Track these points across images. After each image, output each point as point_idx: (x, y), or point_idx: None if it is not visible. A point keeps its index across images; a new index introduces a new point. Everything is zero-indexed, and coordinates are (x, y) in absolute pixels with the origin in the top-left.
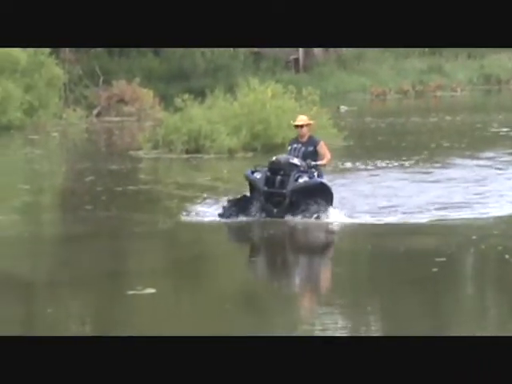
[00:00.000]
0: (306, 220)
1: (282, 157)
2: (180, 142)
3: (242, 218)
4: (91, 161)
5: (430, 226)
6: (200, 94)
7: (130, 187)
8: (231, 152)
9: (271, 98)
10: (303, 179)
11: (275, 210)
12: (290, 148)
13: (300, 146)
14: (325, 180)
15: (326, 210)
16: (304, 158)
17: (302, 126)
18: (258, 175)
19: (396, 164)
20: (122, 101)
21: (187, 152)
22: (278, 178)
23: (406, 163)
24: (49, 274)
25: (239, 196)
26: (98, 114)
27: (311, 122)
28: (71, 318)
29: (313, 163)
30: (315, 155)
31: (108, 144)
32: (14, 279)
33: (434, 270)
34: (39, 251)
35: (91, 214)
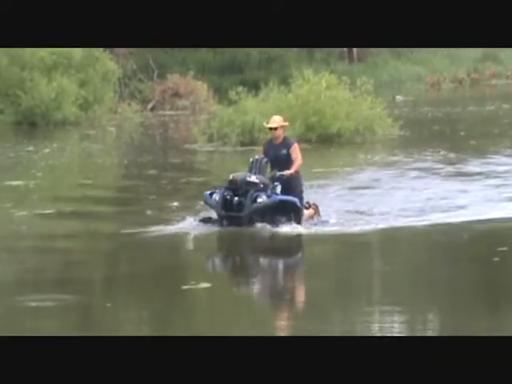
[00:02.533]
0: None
1: (239, 175)
2: (234, 134)
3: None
4: (150, 154)
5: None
6: (254, 87)
7: (193, 179)
8: None
9: (326, 88)
10: (261, 198)
11: None
12: (251, 159)
13: (273, 148)
14: (286, 196)
15: (286, 227)
16: (277, 161)
17: (275, 129)
18: (216, 197)
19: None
20: (176, 94)
21: (242, 144)
22: (235, 199)
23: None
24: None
25: (206, 216)
26: (153, 108)
27: (285, 123)
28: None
29: (278, 174)
30: (288, 158)
31: (164, 138)
32: (72, 275)
33: None
34: (99, 246)
35: (157, 206)
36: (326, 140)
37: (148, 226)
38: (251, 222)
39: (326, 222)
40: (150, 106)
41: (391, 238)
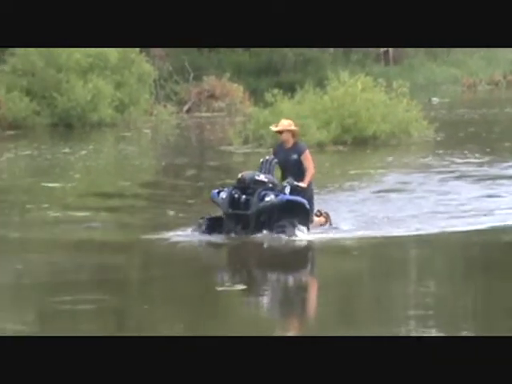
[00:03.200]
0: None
1: (247, 173)
2: (269, 136)
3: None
4: (187, 156)
5: None
6: (290, 89)
7: (230, 181)
8: (321, 146)
9: (361, 91)
10: (269, 197)
11: (243, 232)
12: (262, 160)
13: (283, 152)
14: (294, 197)
15: (293, 229)
16: (286, 165)
17: (280, 132)
18: (223, 195)
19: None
20: (212, 96)
21: None
22: (243, 197)
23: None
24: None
25: (215, 215)
26: (189, 110)
27: (294, 128)
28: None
29: (295, 183)
30: (299, 164)
31: (200, 139)
32: (107, 277)
33: None
34: (136, 249)
35: (194, 208)
36: (361, 142)
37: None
38: (258, 221)
39: (336, 230)
40: (185, 107)
41: (408, 244)
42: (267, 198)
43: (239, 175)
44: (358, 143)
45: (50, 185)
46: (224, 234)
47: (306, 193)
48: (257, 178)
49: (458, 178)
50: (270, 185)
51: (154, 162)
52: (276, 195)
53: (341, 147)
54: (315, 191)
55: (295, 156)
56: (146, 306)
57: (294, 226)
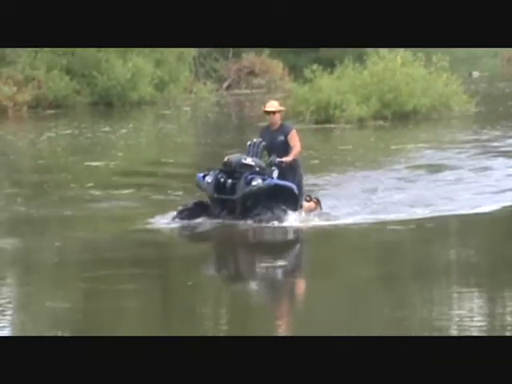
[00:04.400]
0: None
1: (234, 157)
2: (309, 112)
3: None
4: (228, 133)
5: None
6: (329, 64)
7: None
8: (361, 121)
9: (401, 65)
10: (256, 182)
11: (230, 217)
12: (249, 143)
13: (270, 134)
14: (282, 181)
15: (282, 214)
16: (273, 147)
17: (273, 113)
18: (209, 179)
19: None
20: (251, 73)
21: (317, 122)
22: (229, 181)
23: None
24: None
25: (194, 202)
26: (228, 87)
27: (282, 108)
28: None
29: (277, 160)
30: (286, 145)
31: (240, 116)
32: (149, 255)
33: None
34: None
35: None
36: (402, 117)
37: None
38: (244, 205)
39: (325, 215)
40: (225, 84)
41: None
42: (254, 183)
43: (225, 158)
44: (399, 118)
45: (93, 163)
46: (209, 219)
47: (295, 177)
48: (243, 161)
49: (500, 154)
50: (258, 168)
51: (194, 139)
52: (263, 179)
53: (381, 122)
54: (350, 171)
55: (282, 137)
56: (190, 282)
57: (280, 210)
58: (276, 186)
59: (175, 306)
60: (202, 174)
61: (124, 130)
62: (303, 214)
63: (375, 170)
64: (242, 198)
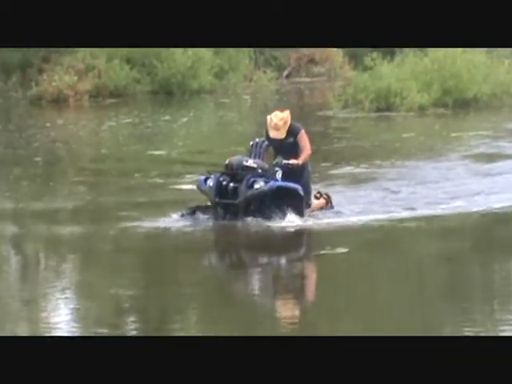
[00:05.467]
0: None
1: (235, 158)
2: (368, 100)
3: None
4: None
5: None
6: (389, 52)
7: (336, 146)
8: (422, 108)
9: (462, 52)
10: (258, 184)
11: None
12: (252, 143)
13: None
14: (286, 183)
15: (283, 216)
16: (281, 149)
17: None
18: (210, 182)
19: None
20: (311, 61)
21: (377, 110)
22: (231, 185)
23: None
24: None
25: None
26: (288, 75)
27: (288, 119)
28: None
29: (284, 162)
30: (295, 147)
31: (299, 105)
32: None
33: None
34: None
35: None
36: (463, 104)
37: None
38: (247, 209)
39: (338, 213)
40: (285, 73)
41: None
42: (256, 186)
43: (227, 160)
44: (460, 105)
45: (156, 152)
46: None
47: (302, 176)
48: (245, 163)
49: None
50: (260, 170)
51: (256, 128)
52: (266, 182)
53: (442, 110)
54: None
55: (290, 139)
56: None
57: (284, 214)
58: (279, 188)
59: (236, 295)
60: (203, 178)
61: (185, 119)
62: (309, 213)
63: (433, 158)
64: (245, 202)
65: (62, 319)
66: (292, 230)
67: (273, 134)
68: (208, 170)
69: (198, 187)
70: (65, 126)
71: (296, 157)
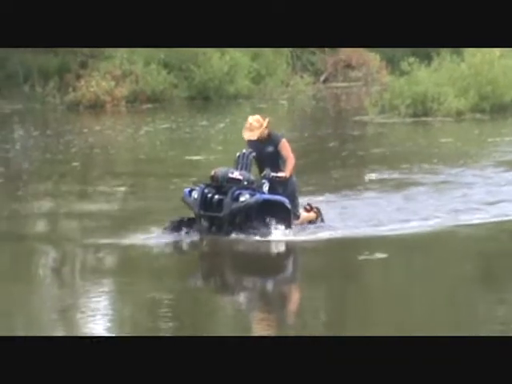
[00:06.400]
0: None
1: (220, 170)
2: (404, 105)
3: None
4: (327, 127)
5: None
6: (426, 57)
7: (375, 150)
8: (459, 114)
9: (499, 57)
10: (244, 197)
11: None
12: (238, 154)
13: (258, 144)
14: (272, 195)
15: (269, 230)
16: (262, 159)
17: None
18: (195, 194)
19: None
20: (348, 66)
21: (414, 115)
22: (216, 197)
23: None
24: None
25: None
26: (325, 80)
27: (264, 123)
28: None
29: (272, 174)
30: (275, 156)
31: (336, 110)
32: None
33: None
34: None
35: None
36: (500, 109)
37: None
38: (232, 222)
39: (326, 227)
40: (322, 78)
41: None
42: (242, 198)
43: (212, 172)
44: (497, 110)
45: (194, 158)
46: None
47: (288, 188)
48: (230, 175)
49: None
50: (246, 182)
51: (292, 133)
52: (251, 194)
53: (478, 115)
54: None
55: (271, 148)
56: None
57: (269, 227)
58: (265, 201)
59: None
60: (188, 189)
61: (222, 124)
62: (297, 225)
63: (470, 164)
64: (230, 215)
65: (98, 322)
66: (281, 244)
67: (246, 135)
68: (193, 181)
69: (183, 199)
70: (102, 131)
71: (277, 166)
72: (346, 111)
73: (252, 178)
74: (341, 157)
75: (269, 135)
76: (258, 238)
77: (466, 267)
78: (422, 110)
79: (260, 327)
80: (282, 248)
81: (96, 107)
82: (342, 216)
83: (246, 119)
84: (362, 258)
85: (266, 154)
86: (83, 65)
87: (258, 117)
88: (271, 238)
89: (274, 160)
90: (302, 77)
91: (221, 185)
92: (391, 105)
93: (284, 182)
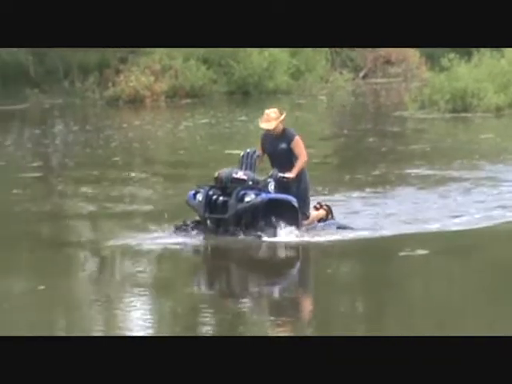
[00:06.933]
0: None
1: (224, 171)
2: (443, 101)
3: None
4: (367, 123)
5: None
6: (466, 53)
7: (415, 146)
8: (498, 110)
9: None
10: (249, 197)
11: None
12: (242, 153)
13: (272, 141)
14: (278, 194)
15: (275, 230)
16: (276, 156)
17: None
18: (199, 197)
19: None
20: (388, 62)
21: (454, 111)
22: (221, 199)
23: None
24: None
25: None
26: (365, 76)
27: (282, 116)
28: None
29: (279, 175)
30: (289, 154)
31: (376, 106)
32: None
33: None
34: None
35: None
36: None
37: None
38: (238, 224)
39: (338, 226)
40: (361, 74)
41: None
42: (247, 199)
43: (216, 173)
44: None
45: (234, 152)
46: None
47: (298, 186)
48: (234, 175)
49: None
50: (251, 182)
51: (332, 129)
52: (257, 194)
53: None
54: None
55: (284, 145)
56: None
57: (275, 227)
58: (272, 200)
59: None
60: (192, 192)
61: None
62: (307, 224)
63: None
64: (235, 216)
65: (136, 319)
66: (289, 244)
67: (263, 125)
68: (197, 183)
69: (187, 202)
70: (141, 126)
71: (290, 164)
72: (386, 107)
73: (257, 177)
74: (381, 152)
75: (283, 131)
76: (266, 238)
77: None
78: (461, 105)
79: (286, 329)
80: (319, 248)
81: (135, 102)
82: (383, 213)
83: (285, 115)
84: (402, 254)
85: (279, 150)
86: (123, 60)
87: (275, 109)
88: (283, 238)
89: (287, 157)
90: (341, 73)
91: (225, 186)
92: (431, 100)
93: (297, 180)
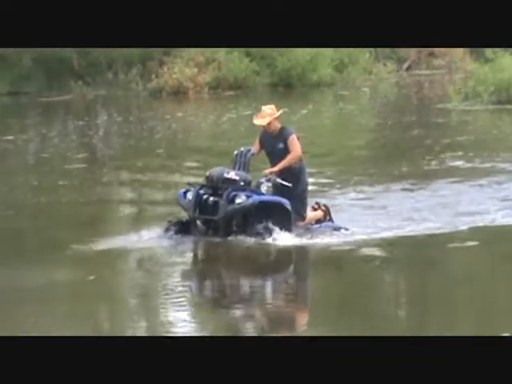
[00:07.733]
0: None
1: (216, 170)
2: (487, 93)
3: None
4: (411, 114)
5: None
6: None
7: (460, 138)
8: None
9: None
10: (240, 199)
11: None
12: (236, 152)
13: (270, 140)
14: (269, 196)
15: (269, 233)
16: (274, 156)
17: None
18: (190, 196)
19: None
20: (431, 54)
21: (498, 103)
22: (211, 199)
23: None
24: None
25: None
26: (408, 68)
27: (278, 113)
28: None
29: (278, 180)
30: (287, 153)
31: (419, 97)
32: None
33: None
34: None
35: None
36: None
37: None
38: (229, 225)
39: (334, 227)
40: (405, 65)
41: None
42: (238, 200)
43: (207, 172)
44: None
45: None
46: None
47: (296, 187)
48: (226, 175)
49: None
50: (242, 183)
51: (378, 120)
52: (248, 196)
53: None
54: None
55: (281, 145)
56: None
57: (268, 230)
58: (262, 202)
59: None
60: (183, 191)
61: (304, 111)
62: (303, 225)
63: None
64: (225, 218)
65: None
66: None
67: (256, 121)
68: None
69: (178, 201)
70: (185, 117)
71: (289, 165)
72: (429, 99)
73: (249, 177)
74: (425, 145)
75: (281, 130)
76: (257, 240)
77: None
78: (506, 97)
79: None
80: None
81: (178, 94)
82: (435, 205)
83: (328, 106)
84: (452, 246)
85: (277, 150)
86: (166, 52)
87: (272, 106)
88: (271, 241)
89: (285, 157)
90: (384, 65)
91: (216, 185)
92: (475, 92)
93: (294, 179)
